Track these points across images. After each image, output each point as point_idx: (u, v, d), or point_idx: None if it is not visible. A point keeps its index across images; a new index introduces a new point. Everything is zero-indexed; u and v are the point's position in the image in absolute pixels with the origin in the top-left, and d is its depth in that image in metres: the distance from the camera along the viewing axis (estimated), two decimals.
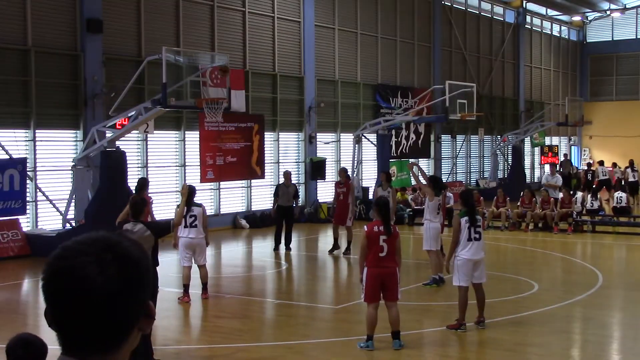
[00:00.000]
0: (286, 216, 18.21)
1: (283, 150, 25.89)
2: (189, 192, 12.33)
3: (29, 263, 16.44)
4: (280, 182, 18.86)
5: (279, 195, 18.16)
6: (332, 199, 19.17)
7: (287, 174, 18.68)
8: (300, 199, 19.06)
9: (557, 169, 29.23)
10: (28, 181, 18.00)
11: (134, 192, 14.00)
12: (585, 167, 35.30)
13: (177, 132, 22.28)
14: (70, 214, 18.35)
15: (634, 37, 45.82)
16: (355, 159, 26.46)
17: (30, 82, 18.23)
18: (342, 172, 18.72)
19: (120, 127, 18.51)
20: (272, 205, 18.90)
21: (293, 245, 18.50)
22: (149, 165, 21.28)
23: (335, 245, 17.83)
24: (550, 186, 24.05)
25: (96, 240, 1.72)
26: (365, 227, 9.50)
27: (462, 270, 10.21)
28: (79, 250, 1.69)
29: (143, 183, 14.10)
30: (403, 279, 14.96)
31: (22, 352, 4.19)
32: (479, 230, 10.37)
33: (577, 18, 45.70)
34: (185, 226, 12.38)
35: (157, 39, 20.82)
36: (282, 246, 18.24)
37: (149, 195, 14.14)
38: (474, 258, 10.24)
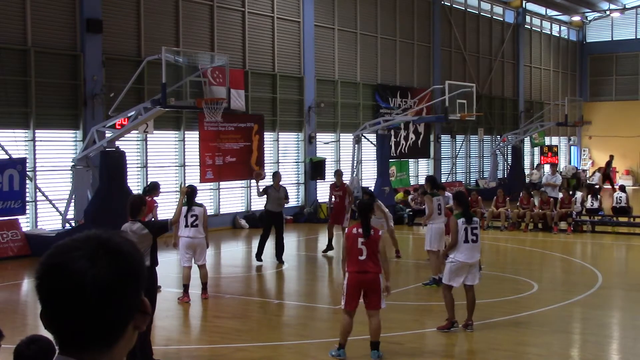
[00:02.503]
0: (276, 223, 16.55)
1: (283, 150, 25.90)
2: (190, 192, 12.41)
3: (28, 263, 16.43)
4: (269, 185, 16.86)
5: (269, 199, 16.45)
6: (327, 200, 18.11)
7: (278, 176, 17.11)
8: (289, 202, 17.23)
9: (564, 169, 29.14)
10: (28, 181, 17.99)
11: (142, 193, 14.02)
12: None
13: (176, 132, 22.28)
14: (70, 214, 18.35)
15: (634, 37, 45.83)
16: (355, 159, 26.46)
17: (29, 82, 18.23)
18: (338, 174, 18.63)
19: (119, 127, 18.50)
20: (265, 208, 16.79)
21: (288, 247, 17.43)
22: (148, 165, 21.28)
23: (330, 246, 17.81)
24: (549, 185, 24.10)
25: (88, 237, 1.74)
26: (346, 229, 9.40)
27: (455, 272, 10.16)
28: (70, 247, 1.71)
29: (153, 186, 14.15)
30: (403, 279, 15.01)
31: (26, 351, 4.22)
32: (477, 232, 10.28)
33: (576, 18, 45.71)
34: (186, 225, 12.40)
35: (157, 39, 20.83)
36: (267, 256, 16.68)
37: (155, 199, 14.10)
38: (469, 261, 10.20)
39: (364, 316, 9.15)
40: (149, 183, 14.53)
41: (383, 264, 8.92)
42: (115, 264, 1.70)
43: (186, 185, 13.23)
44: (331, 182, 18.93)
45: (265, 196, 16.57)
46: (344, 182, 18.68)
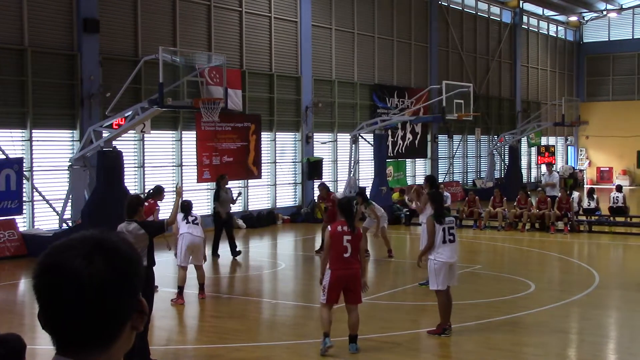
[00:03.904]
0: (226, 223, 17.34)
1: (280, 150, 25.89)
2: (186, 206, 12.52)
3: (25, 263, 16.41)
4: (218, 188, 17.51)
5: (220, 202, 17.19)
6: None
7: (225, 179, 17.70)
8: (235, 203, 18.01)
9: None
10: (24, 181, 17.96)
11: (146, 196, 14.01)
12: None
13: (173, 132, 22.26)
14: (67, 214, 18.33)
15: (630, 37, 45.89)
16: (352, 159, 26.46)
17: (26, 81, 18.20)
18: (322, 187, 18.31)
19: (116, 127, 18.48)
20: (214, 209, 17.60)
21: (287, 245, 17.93)
22: (145, 165, 21.27)
23: (322, 246, 17.79)
24: (547, 185, 24.12)
25: (85, 237, 1.74)
26: (329, 227, 9.43)
27: (440, 274, 10.14)
28: (67, 246, 1.71)
29: (158, 190, 14.11)
30: (400, 279, 15.04)
31: None
32: (453, 232, 10.30)
33: (573, 18, 45.74)
34: (187, 222, 12.46)
35: (154, 38, 20.82)
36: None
37: (157, 203, 14.06)
38: (450, 261, 10.18)
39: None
40: (153, 186, 14.49)
41: (362, 260, 9.25)
42: (112, 264, 1.70)
43: (182, 199, 13.26)
44: (318, 194, 18.97)
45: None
46: (331, 192, 18.65)
